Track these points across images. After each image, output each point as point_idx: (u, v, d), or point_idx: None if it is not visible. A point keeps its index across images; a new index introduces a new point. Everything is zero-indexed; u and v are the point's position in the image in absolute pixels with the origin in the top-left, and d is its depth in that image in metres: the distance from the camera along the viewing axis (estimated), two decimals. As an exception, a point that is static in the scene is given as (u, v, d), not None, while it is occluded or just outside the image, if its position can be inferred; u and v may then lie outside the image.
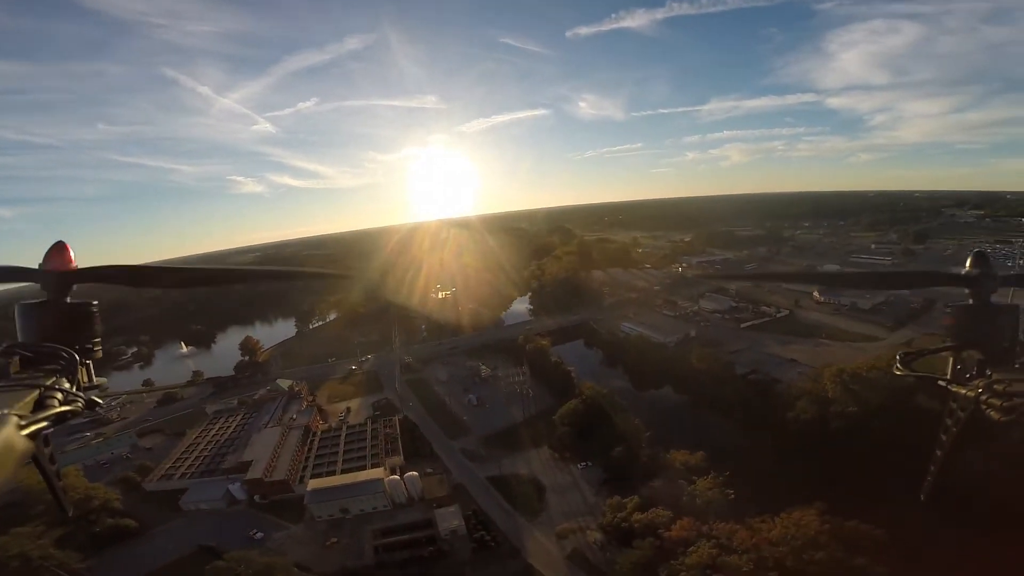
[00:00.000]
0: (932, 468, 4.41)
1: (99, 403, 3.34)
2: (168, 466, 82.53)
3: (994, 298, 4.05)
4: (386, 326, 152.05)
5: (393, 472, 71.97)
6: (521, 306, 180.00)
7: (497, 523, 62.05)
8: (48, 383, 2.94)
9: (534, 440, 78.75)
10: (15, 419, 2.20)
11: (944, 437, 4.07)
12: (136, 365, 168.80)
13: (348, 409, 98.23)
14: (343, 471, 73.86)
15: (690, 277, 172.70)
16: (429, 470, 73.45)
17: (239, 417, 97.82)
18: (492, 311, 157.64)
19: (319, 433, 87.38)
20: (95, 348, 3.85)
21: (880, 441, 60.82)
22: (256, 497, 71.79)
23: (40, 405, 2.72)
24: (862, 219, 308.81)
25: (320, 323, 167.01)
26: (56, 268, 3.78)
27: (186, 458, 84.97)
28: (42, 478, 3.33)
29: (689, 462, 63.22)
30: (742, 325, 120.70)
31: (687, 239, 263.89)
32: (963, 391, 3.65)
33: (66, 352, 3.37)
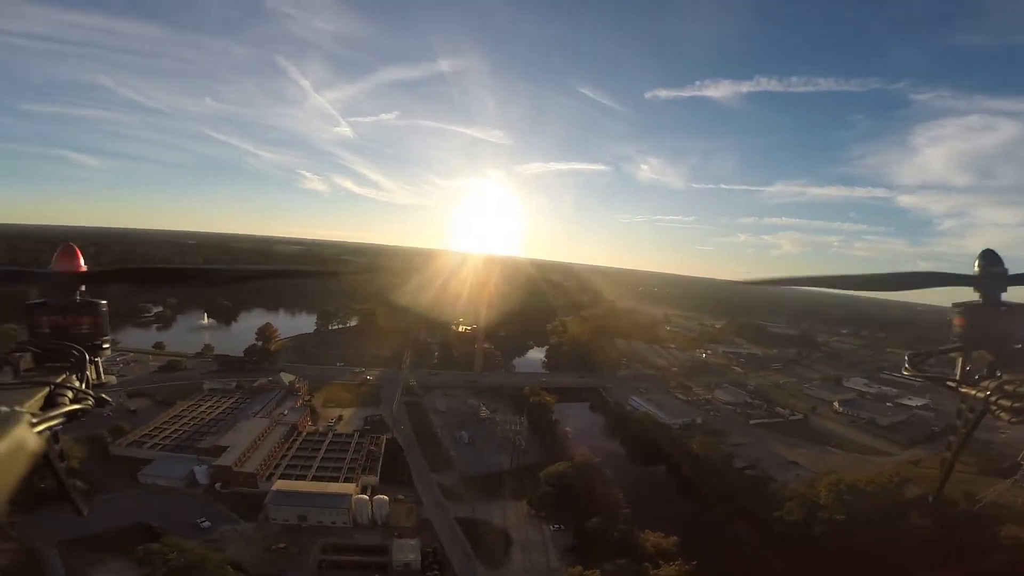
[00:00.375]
0: (942, 470, 4.46)
1: (109, 401, 3.38)
2: (143, 433, 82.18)
3: (1004, 297, 3.93)
4: (401, 344, 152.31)
5: (364, 491, 70.07)
6: (537, 355, 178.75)
7: (454, 566, 59.71)
8: (58, 381, 2.98)
9: (515, 492, 76.07)
10: (27, 417, 2.19)
11: (952, 439, 4.05)
12: (155, 326, 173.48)
13: (340, 416, 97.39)
14: (315, 478, 72.51)
15: (712, 365, 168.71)
16: (401, 496, 71.39)
17: (232, 400, 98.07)
18: (507, 355, 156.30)
19: (304, 434, 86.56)
20: (104, 346, 3.98)
21: (862, 551, 59.82)
22: (218, 485, 70.26)
23: (51, 403, 2.76)
24: (905, 334, 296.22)
25: (339, 326, 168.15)
26: (65, 270, 3.92)
27: (164, 429, 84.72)
28: (52, 475, 3.25)
29: (661, 545, 61.69)
30: (751, 421, 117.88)
31: (718, 325, 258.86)
32: (973, 392, 3.55)
33: (76, 350, 3.49)
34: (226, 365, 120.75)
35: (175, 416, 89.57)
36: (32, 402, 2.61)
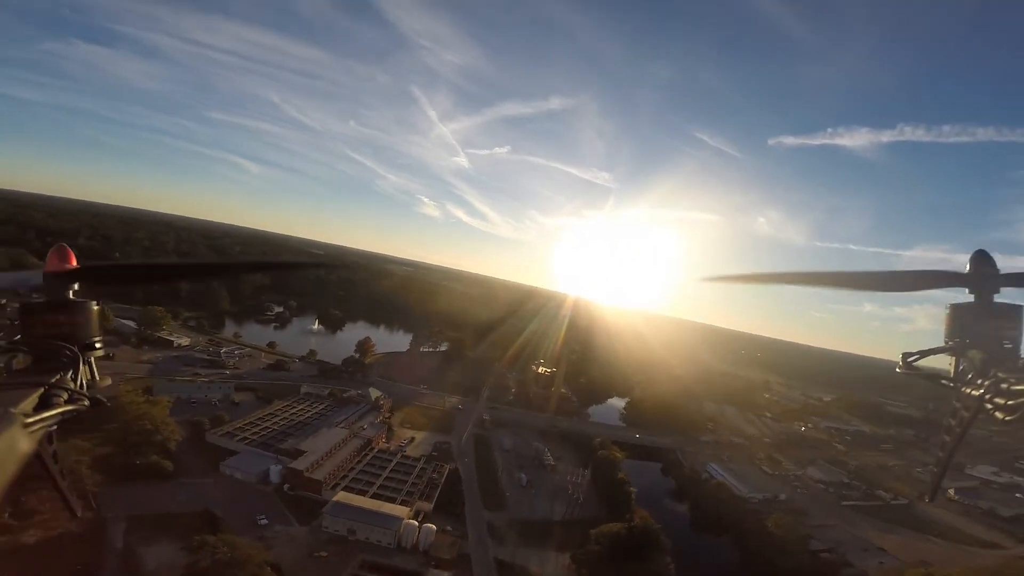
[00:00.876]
0: (935, 469, 4.55)
1: (103, 401, 3.42)
2: (237, 426, 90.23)
3: (997, 298, 4.08)
4: (482, 376, 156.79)
5: (416, 516, 72.67)
6: (617, 404, 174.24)
7: None
8: (52, 381, 3.05)
9: (562, 543, 74.68)
10: (20, 418, 2.22)
11: (947, 437, 4.16)
12: (273, 325, 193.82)
13: (412, 438, 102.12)
14: (375, 495, 75.86)
15: (810, 440, 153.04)
16: (448, 528, 73.06)
17: (322, 406, 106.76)
18: (585, 401, 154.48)
19: (375, 450, 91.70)
20: (97, 346, 4.04)
21: None
22: (287, 486, 75.45)
23: (44, 403, 2.82)
24: None
25: (430, 350, 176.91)
26: (56, 270, 4.03)
27: (256, 424, 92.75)
28: (47, 476, 3.41)
29: None
30: (844, 503, 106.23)
31: (827, 399, 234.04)
32: (967, 391, 3.71)
33: (69, 350, 3.56)
34: (324, 372, 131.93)
35: (269, 414, 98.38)
36: (26, 403, 2.63)
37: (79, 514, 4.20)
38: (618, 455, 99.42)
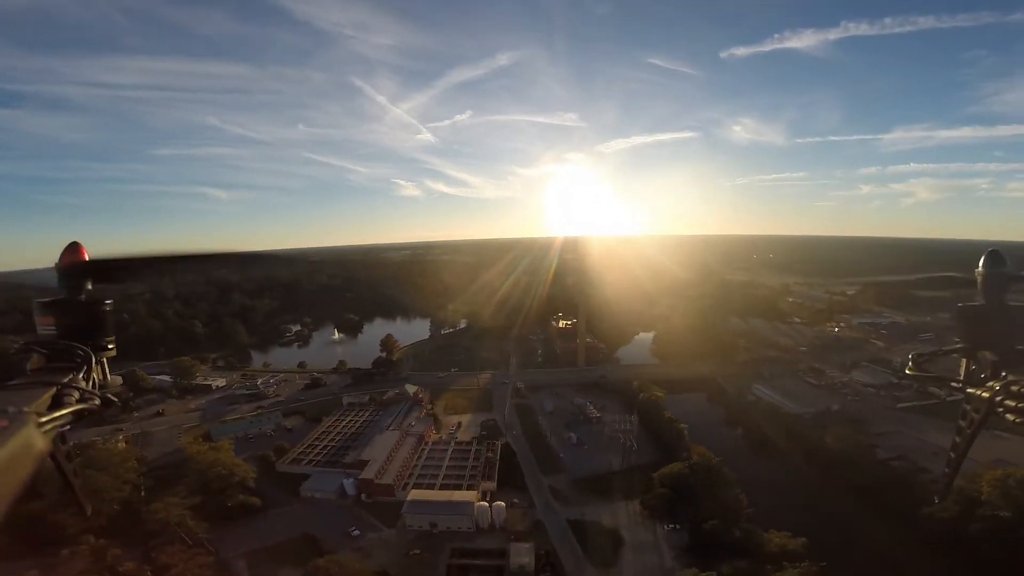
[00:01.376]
0: (946, 470, 4.53)
1: (115, 401, 3.51)
2: (299, 451, 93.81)
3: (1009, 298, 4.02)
4: (506, 344, 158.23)
5: (484, 497, 75.53)
6: (645, 339, 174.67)
7: (566, 567, 61.97)
8: (64, 381, 3.11)
9: (626, 492, 76.54)
10: (35, 417, 2.25)
11: (958, 439, 4.15)
12: (296, 344, 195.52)
13: (459, 424, 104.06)
14: (443, 486, 79.03)
15: (846, 341, 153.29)
16: (516, 500, 75.70)
17: (367, 413, 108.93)
18: (612, 345, 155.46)
19: (430, 444, 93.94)
20: (109, 346, 4.09)
21: None
22: (363, 495, 79.18)
23: (57, 402, 2.86)
24: None
25: (450, 330, 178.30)
26: (70, 268, 4.03)
27: (316, 445, 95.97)
28: (60, 475, 3.45)
29: (787, 545, 58.33)
30: (899, 405, 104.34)
31: (850, 292, 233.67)
32: (977, 392, 3.69)
33: (82, 350, 3.61)
34: (358, 378, 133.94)
35: (323, 432, 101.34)
36: (39, 402, 2.68)
37: (89, 513, 4.16)
38: (660, 394, 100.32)
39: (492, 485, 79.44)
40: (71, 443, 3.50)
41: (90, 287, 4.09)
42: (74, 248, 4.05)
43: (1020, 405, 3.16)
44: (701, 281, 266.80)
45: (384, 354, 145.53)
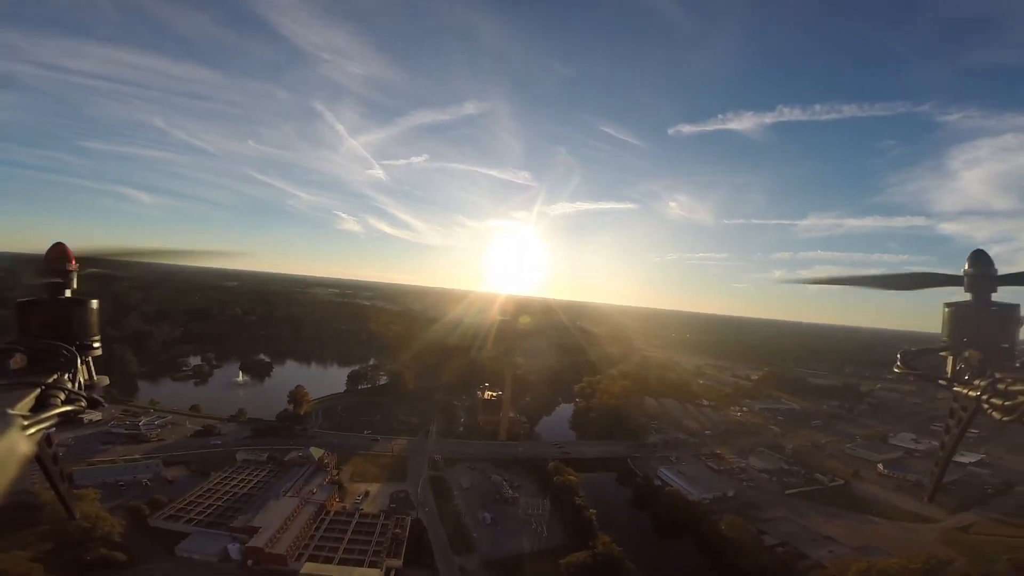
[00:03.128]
0: (934, 469, 4.56)
1: (101, 402, 3.43)
2: (179, 506, 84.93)
3: (994, 297, 4.04)
4: (428, 409, 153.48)
5: (388, 575, 71.19)
6: (566, 410, 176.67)
7: None
8: (49, 381, 3.01)
9: (535, 576, 75.24)
10: (19, 420, 2.16)
11: (946, 437, 4.16)
12: (193, 380, 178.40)
13: (367, 493, 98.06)
14: (342, 561, 73.45)
15: (748, 426, 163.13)
16: (422, 582, 71.16)
17: (264, 473, 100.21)
18: (534, 415, 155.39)
19: (331, 513, 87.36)
20: (95, 345, 4.00)
21: None
22: (250, 562, 72.33)
23: (42, 404, 2.78)
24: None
25: (368, 386, 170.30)
26: (55, 267, 3.93)
27: (200, 503, 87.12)
28: (46, 479, 3.42)
29: None
30: (787, 491, 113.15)
31: (755, 377, 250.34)
32: (964, 391, 3.66)
33: (67, 349, 3.51)
34: (258, 431, 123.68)
35: (209, 489, 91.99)
36: (23, 404, 2.59)
37: (76, 516, 5.66)
38: (572, 478, 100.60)
39: (398, 563, 75.17)
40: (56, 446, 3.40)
41: (75, 286, 3.94)
42: (60, 249, 3.94)
43: (1006, 403, 3.16)
44: (623, 356, 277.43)
45: (291, 406, 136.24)
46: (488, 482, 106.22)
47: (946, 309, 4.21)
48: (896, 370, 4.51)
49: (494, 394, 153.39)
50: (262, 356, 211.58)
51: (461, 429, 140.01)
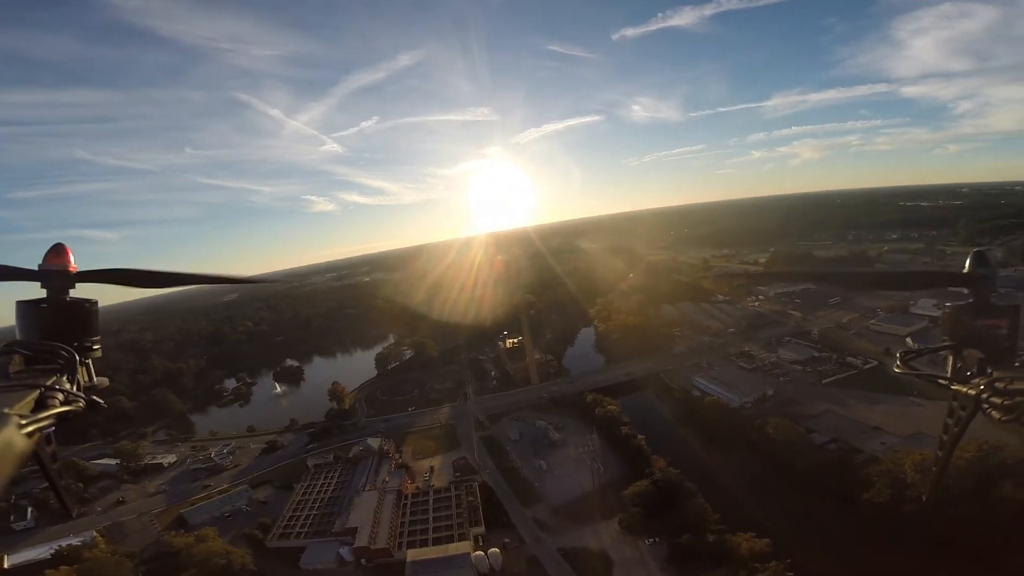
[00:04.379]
0: (934, 468, 4.61)
1: (101, 403, 3.40)
2: (284, 524, 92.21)
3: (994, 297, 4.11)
4: (458, 371, 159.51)
5: (477, 543, 77.91)
6: (588, 334, 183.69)
7: None
8: (48, 382, 3.04)
9: (604, 512, 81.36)
10: (16, 419, 2.23)
11: (945, 436, 4.24)
12: (236, 403, 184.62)
13: (432, 468, 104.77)
14: (434, 540, 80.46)
15: (767, 315, 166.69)
16: (507, 540, 78.59)
17: (337, 474, 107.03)
18: (558, 352, 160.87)
19: (410, 497, 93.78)
20: (95, 347, 3.98)
21: (957, 528, 59.84)
22: (363, 560, 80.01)
23: (41, 404, 2.81)
24: (959, 227, 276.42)
25: (396, 364, 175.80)
26: (55, 268, 3.93)
27: (298, 515, 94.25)
28: (45, 477, 3.43)
29: (754, 548, 64.66)
30: (824, 381, 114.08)
31: (762, 260, 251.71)
32: (964, 390, 3.76)
33: (66, 351, 3.51)
34: (315, 435, 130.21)
35: (300, 501, 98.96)
36: (22, 404, 2.63)
37: (74, 515, 4.37)
38: (613, 407, 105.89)
39: (481, 529, 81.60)
40: (54, 445, 3.52)
41: (75, 289, 4.01)
42: (60, 250, 3.99)
43: (1005, 402, 3.23)
44: (628, 266, 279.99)
45: (335, 404, 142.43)
46: (535, 429, 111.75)
47: (947, 309, 4.27)
48: (896, 370, 4.60)
49: (515, 341, 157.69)
50: (289, 362, 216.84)
51: (494, 383, 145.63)
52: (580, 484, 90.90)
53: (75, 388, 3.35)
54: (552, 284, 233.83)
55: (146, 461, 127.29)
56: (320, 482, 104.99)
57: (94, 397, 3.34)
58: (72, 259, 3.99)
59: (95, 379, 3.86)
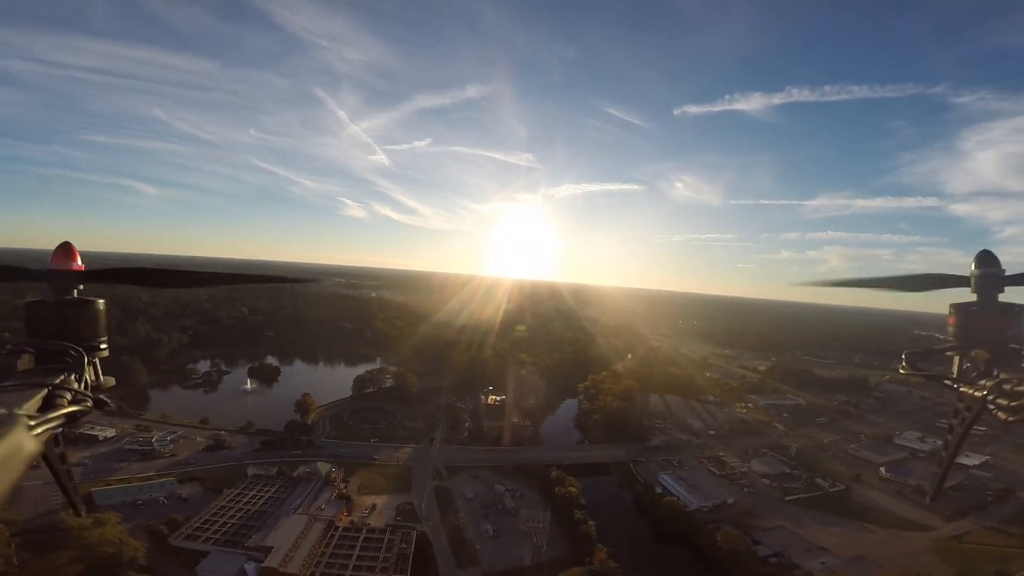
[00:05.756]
0: (938, 469, 4.63)
1: (108, 403, 3.47)
2: (196, 525, 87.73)
3: (1001, 297, 4.06)
4: (432, 412, 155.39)
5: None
6: (571, 406, 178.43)
7: None
8: (56, 382, 3.07)
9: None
10: (26, 420, 2.20)
11: (950, 437, 4.20)
12: (202, 389, 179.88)
13: (374, 506, 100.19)
14: (352, 578, 75.66)
15: (752, 424, 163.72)
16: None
17: (274, 489, 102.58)
18: (537, 418, 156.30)
19: (340, 529, 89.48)
20: (102, 346, 4.05)
21: None
22: None
23: (49, 404, 2.83)
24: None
25: (374, 390, 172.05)
26: (62, 268, 4.00)
27: (215, 521, 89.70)
28: (54, 477, 3.47)
29: None
30: (787, 498, 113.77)
31: (761, 368, 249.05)
32: (970, 391, 3.73)
33: (74, 350, 3.54)
34: (267, 444, 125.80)
35: (223, 507, 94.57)
36: (30, 404, 2.65)
37: (82, 514, 5.10)
38: (573, 489, 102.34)
39: (404, 579, 76.86)
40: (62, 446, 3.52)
41: (82, 287, 4.01)
42: (67, 249, 4.00)
43: (1012, 404, 3.18)
44: (629, 347, 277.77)
45: (299, 416, 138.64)
46: (491, 492, 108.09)
47: (953, 309, 4.25)
48: (901, 371, 4.56)
49: (497, 399, 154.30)
50: (270, 359, 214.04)
51: (465, 435, 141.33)
52: (519, 556, 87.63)
53: (83, 387, 3.36)
54: (551, 348, 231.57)
55: (81, 430, 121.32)
56: (253, 493, 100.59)
57: (101, 396, 3.35)
58: (79, 259, 4.01)
59: (102, 378, 3.90)
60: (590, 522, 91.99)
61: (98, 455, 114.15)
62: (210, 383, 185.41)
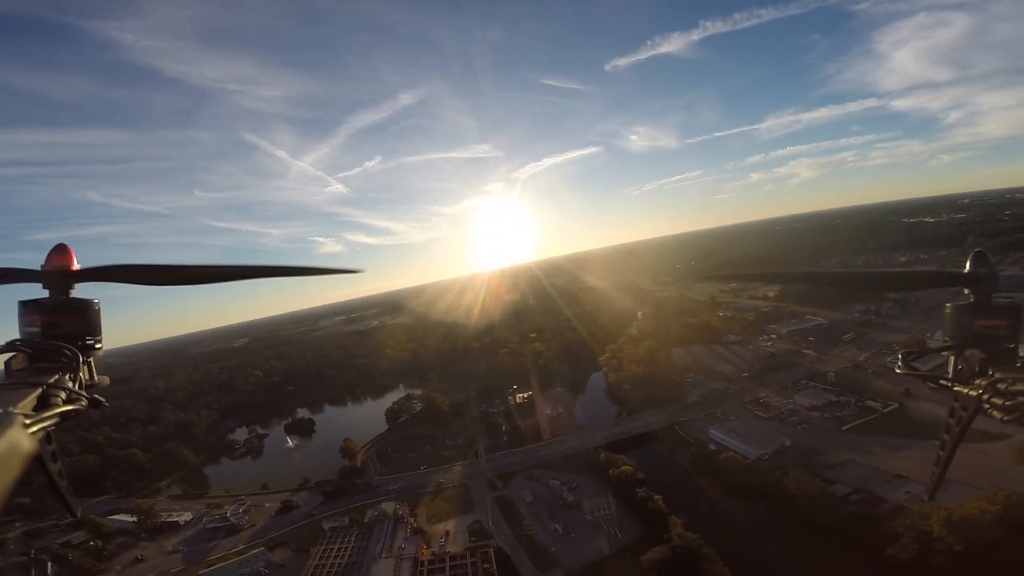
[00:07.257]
0: (935, 468, 4.59)
1: (103, 402, 3.40)
2: None
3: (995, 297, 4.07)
4: (469, 425, 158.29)
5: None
6: (598, 380, 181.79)
7: None
8: (51, 381, 3.05)
9: (624, 576, 79.67)
10: (21, 419, 2.22)
11: (947, 437, 4.25)
12: (249, 455, 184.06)
13: (447, 533, 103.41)
14: (453, 613, 79.06)
15: (781, 356, 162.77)
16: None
17: (353, 538, 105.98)
18: (569, 404, 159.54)
19: (426, 564, 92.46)
20: (97, 346, 4.01)
21: None
22: None
23: (43, 403, 2.82)
24: (967, 245, 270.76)
25: (406, 417, 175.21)
26: (57, 268, 3.98)
27: None
28: (46, 477, 3.40)
29: None
30: (844, 427, 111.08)
31: (771, 294, 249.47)
32: (965, 390, 3.75)
33: (69, 350, 3.52)
34: (328, 494, 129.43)
35: (318, 566, 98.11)
36: (25, 403, 2.63)
37: (78, 515, 4.38)
38: (627, 467, 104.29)
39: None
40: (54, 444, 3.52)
41: (76, 287, 4.04)
42: (62, 250, 4.05)
43: (1007, 403, 3.22)
44: (637, 304, 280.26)
45: (347, 461, 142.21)
46: (548, 489, 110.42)
47: (948, 309, 4.28)
48: (897, 371, 4.61)
49: (525, 395, 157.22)
50: (301, 412, 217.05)
51: (506, 439, 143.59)
52: (597, 548, 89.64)
53: (77, 386, 3.42)
54: (560, 328, 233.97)
55: (163, 519, 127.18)
56: (337, 546, 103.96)
57: (96, 395, 3.39)
58: (75, 259, 4.08)
59: (96, 378, 3.93)
60: (655, 496, 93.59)
61: (187, 539, 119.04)
62: (253, 448, 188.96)
